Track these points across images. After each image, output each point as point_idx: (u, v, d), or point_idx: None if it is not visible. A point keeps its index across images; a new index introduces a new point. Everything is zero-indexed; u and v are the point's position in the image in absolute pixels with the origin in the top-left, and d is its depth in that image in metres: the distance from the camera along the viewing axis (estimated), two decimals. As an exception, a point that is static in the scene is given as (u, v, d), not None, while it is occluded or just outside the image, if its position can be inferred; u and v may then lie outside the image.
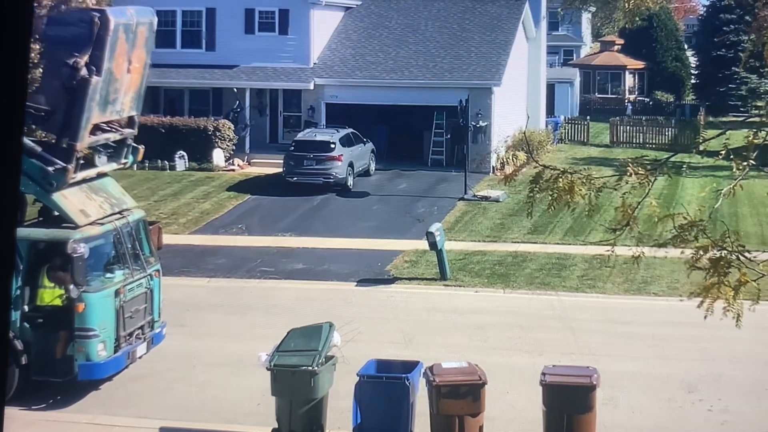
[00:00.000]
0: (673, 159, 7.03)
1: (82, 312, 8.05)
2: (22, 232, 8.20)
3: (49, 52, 8.62)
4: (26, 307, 8.16)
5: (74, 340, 8.09)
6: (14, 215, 1.43)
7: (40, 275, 8.21)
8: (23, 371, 8.09)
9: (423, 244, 13.14)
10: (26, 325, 8.17)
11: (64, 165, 8.09)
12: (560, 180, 5.24)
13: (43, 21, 8.56)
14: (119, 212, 8.86)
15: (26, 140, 8.15)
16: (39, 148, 8.13)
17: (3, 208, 1.35)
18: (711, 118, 27.54)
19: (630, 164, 5.25)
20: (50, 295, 8.25)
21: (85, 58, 8.13)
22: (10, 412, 7.81)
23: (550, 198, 5.26)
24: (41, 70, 8.75)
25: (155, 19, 9.24)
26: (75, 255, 7.99)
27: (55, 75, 8.27)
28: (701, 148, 7.19)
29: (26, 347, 8.11)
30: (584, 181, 5.27)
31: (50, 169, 8.05)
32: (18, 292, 8.10)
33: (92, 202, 8.57)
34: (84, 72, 8.12)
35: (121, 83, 8.60)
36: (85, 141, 8.38)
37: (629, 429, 7.75)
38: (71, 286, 8.01)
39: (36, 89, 8.50)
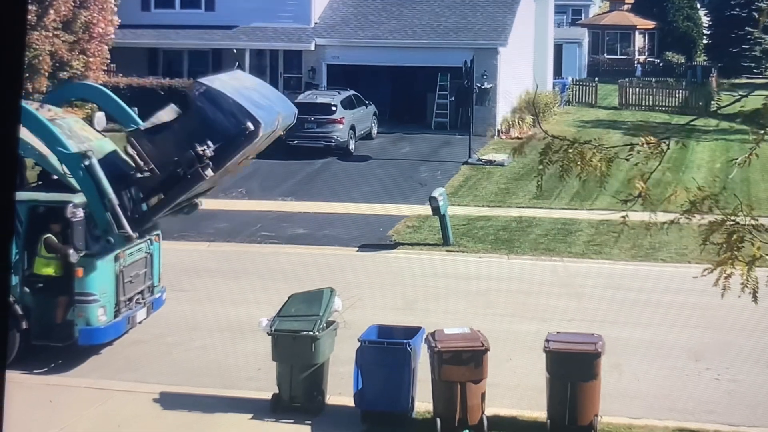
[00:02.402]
0: (683, 122, 6.83)
1: (82, 277, 7.98)
2: (22, 196, 8.07)
3: (187, 115, 8.17)
4: (26, 272, 8.08)
5: (74, 305, 8.03)
6: (13, 179, 1.38)
7: (39, 240, 8.10)
8: (24, 336, 8.05)
9: (426, 209, 12.96)
10: (26, 289, 8.11)
11: (131, 234, 7.98)
12: (570, 151, 5.09)
13: (201, 86, 7.95)
14: None
15: (109, 189, 7.82)
16: (116, 201, 7.89)
17: (2, 171, 1.30)
18: (723, 80, 26.96)
19: (642, 134, 5.10)
20: (49, 264, 8.14)
21: (214, 151, 7.87)
22: (11, 375, 7.80)
23: (560, 170, 5.13)
24: (167, 119, 8.31)
25: (294, 119, 8.92)
26: (74, 219, 7.88)
27: (176, 145, 7.96)
28: (715, 111, 7.02)
29: (26, 312, 8.06)
30: (595, 152, 5.12)
31: (116, 230, 7.91)
32: (17, 257, 7.99)
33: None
34: (204, 167, 7.89)
35: (226, 171, 8.47)
36: (161, 215, 8.33)
37: (634, 397, 7.68)
38: (71, 251, 7.91)
39: (149, 135, 8.06)
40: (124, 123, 9.15)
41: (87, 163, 7.86)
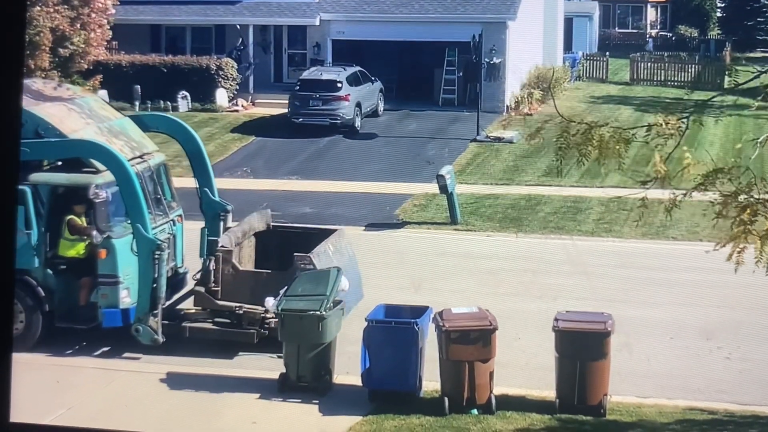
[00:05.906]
0: (695, 98, 6.69)
1: (105, 258, 7.89)
2: (43, 177, 8.00)
3: (280, 275, 8.08)
4: (48, 254, 7.97)
5: (98, 287, 7.94)
6: (16, 159, 1.36)
7: (62, 222, 8.01)
8: (47, 318, 7.98)
9: (433, 188, 12.84)
10: (49, 271, 8.03)
11: (158, 339, 7.95)
12: (591, 135, 5.00)
13: (309, 263, 7.95)
14: (140, 156, 8.55)
15: (163, 287, 7.79)
16: (164, 301, 7.92)
17: (4, 150, 1.29)
18: (737, 54, 26.48)
19: (661, 115, 5.00)
20: (73, 246, 8.06)
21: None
22: (17, 356, 7.79)
23: (578, 155, 5.03)
24: (257, 225, 8.48)
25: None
26: (97, 200, 7.82)
27: (251, 291, 7.99)
28: (728, 86, 6.84)
29: (49, 294, 7.98)
30: (613, 135, 5.02)
31: (149, 321, 7.86)
32: (40, 239, 7.91)
33: (113, 146, 8.25)
34: (261, 334, 7.89)
35: None
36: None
37: (644, 376, 7.62)
38: (94, 232, 7.84)
39: (237, 264, 8.11)
40: (199, 175, 8.98)
41: (158, 255, 7.79)
